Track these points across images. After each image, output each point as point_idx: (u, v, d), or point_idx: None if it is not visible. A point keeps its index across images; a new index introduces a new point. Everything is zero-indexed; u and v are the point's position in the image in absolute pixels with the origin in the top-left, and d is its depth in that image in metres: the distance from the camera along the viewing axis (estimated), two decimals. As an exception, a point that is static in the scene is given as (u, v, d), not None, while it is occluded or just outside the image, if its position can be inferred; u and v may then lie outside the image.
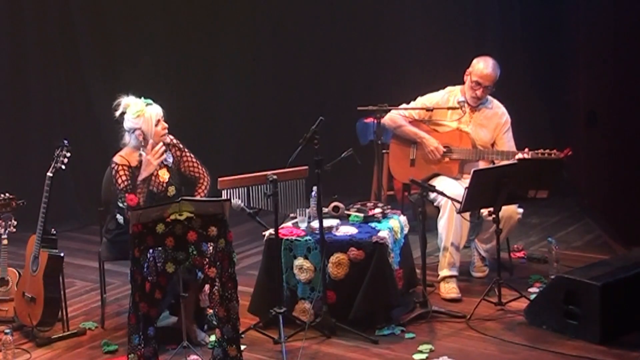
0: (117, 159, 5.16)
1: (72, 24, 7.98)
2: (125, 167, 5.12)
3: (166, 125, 5.17)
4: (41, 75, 7.92)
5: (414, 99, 5.98)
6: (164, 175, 5.19)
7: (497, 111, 5.90)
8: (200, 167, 5.30)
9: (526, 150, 5.65)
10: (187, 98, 8.37)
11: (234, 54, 8.64)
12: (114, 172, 5.13)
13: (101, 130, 7.95)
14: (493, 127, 5.88)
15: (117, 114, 5.15)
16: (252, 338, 5.08)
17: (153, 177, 5.15)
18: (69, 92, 8.02)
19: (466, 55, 5.93)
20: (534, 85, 8.07)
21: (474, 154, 5.81)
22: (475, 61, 5.82)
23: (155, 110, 5.13)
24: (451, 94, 5.93)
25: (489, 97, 5.88)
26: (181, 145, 5.30)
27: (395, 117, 5.93)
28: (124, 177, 5.10)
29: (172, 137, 5.27)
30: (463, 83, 5.88)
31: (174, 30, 8.36)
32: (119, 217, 5.19)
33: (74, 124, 7.92)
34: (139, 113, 5.10)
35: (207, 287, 4.92)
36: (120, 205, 5.13)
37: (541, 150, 5.60)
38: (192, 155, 5.31)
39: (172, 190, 5.16)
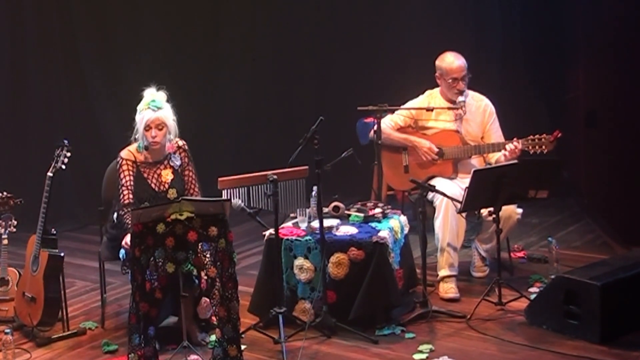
0: (123, 152, 5.17)
1: (72, 23, 7.98)
2: (129, 162, 5.13)
3: (156, 134, 5.04)
4: (41, 75, 7.91)
5: (403, 105, 5.98)
6: (167, 175, 5.18)
7: (480, 104, 5.90)
8: (195, 186, 5.24)
9: (515, 139, 5.64)
10: (188, 98, 8.31)
11: (234, 54, 8.64)
12: (118, 166, 5.15)
13: (101, 130, 7.95)
14: (480, 121, 5.88)
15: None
16: (252, 338, 5.08)
17: (156, 177, 5.15)
18: (69, 92, 8.01)
19: (466, 55, 5.90)
20: (534, 85, 8.07)
21: (465, 151, 5.81)
22: (438, 63, 5.84)
23: (150, 115, 5.03)
24: (431, 97, 5.94)
25: (469, 92, 5.88)
26: (190, 155, 5.26)
27: (382, 127, 5.91)
28: (126, 173, 5.10)
29: (184, 142, 5.25)
30: (439, 86, 5.89)
31: (175, 30, 8.35)
32: (115, 215, 5.18)
33: (74, 124, 7.92)
34: (140, 108, 5.08)
35: (203, 300, 4.90)
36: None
37: (531, 136, 5.60)
38: (194, 173, 5.25)
39: (172, 193, 5.14)
